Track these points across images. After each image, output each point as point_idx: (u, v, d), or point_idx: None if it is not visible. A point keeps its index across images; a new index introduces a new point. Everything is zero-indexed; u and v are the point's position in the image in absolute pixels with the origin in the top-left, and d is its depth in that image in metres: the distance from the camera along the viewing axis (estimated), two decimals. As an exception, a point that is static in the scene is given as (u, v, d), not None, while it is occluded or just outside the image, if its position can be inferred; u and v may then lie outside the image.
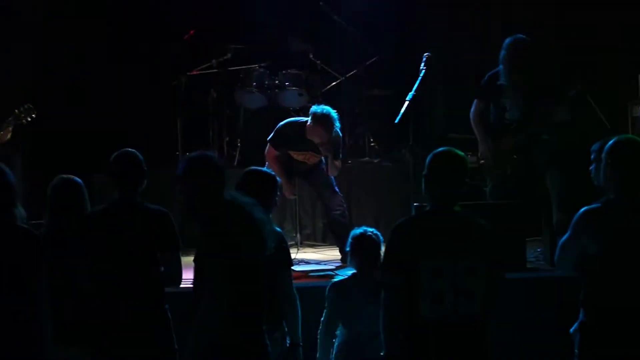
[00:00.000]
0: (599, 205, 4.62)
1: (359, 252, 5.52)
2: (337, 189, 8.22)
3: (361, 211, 9.55)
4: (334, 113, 7.92)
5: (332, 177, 8.16)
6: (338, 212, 8.16)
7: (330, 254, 8.47)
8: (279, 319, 5.21)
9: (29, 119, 7.65)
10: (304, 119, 8.11)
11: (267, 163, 7.96)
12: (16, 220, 4.68)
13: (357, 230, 5.64)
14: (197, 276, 4.45)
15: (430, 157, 4.53)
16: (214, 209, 4.45)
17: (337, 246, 8.25)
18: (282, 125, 8.13)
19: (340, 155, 8.16)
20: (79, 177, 5.69)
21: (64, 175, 5.67)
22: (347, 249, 5.60)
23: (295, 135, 8.01)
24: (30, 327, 4.50)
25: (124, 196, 5.28)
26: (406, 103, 7.59)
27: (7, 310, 4.50)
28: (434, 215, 4.48)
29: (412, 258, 4.33)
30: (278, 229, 5.31)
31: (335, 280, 5.64)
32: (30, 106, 7.61)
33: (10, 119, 7.57)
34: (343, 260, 7.82)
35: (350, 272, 5.63)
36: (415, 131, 7.68)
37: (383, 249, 4.58)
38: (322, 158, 8.11)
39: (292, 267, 5.44)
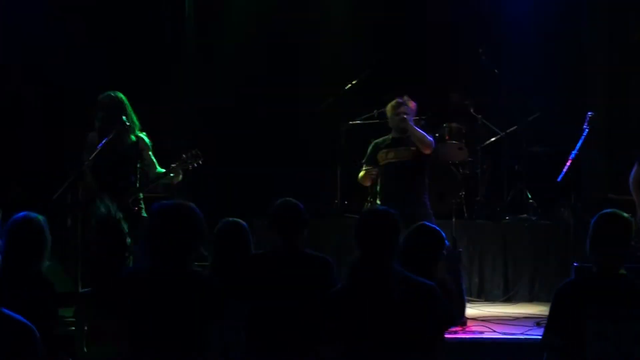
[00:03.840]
0: None
1: None
2: None
3: (517, 269, 9.45)
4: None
5: None
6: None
7: (487, 310, 8.38)
8: None
9: (195, 165, 7.57)
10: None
11: None
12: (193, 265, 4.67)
13: None
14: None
15: (595, 219, 4.50)
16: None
17: None
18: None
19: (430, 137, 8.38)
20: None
21: (230, 219, 5.81)
22: None
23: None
24: None
25: (286, 243, 5.43)
26: (569, 162, 7.55)
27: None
28: (599, 279, 4.44)
29: (577, 321, 4.30)
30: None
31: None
32: (198, 152, 7.53)
33: (177, 163, 7.51)
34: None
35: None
36: (576, 190, 7.59)
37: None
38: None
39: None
